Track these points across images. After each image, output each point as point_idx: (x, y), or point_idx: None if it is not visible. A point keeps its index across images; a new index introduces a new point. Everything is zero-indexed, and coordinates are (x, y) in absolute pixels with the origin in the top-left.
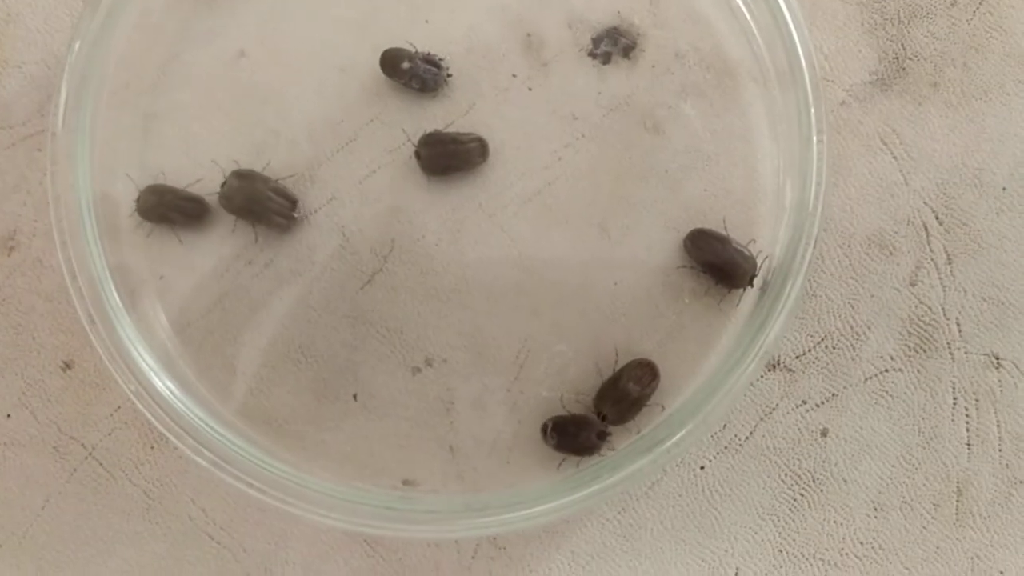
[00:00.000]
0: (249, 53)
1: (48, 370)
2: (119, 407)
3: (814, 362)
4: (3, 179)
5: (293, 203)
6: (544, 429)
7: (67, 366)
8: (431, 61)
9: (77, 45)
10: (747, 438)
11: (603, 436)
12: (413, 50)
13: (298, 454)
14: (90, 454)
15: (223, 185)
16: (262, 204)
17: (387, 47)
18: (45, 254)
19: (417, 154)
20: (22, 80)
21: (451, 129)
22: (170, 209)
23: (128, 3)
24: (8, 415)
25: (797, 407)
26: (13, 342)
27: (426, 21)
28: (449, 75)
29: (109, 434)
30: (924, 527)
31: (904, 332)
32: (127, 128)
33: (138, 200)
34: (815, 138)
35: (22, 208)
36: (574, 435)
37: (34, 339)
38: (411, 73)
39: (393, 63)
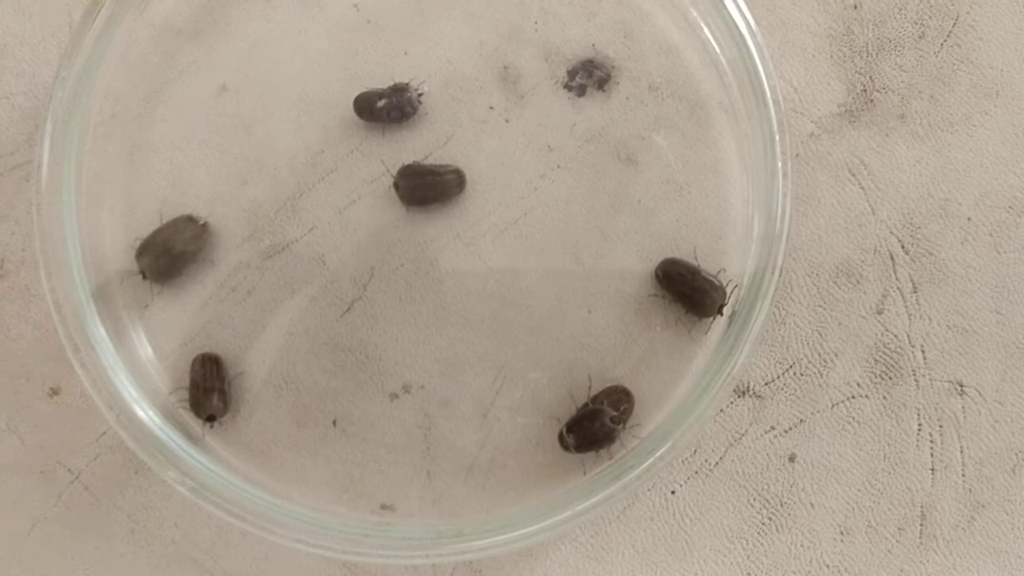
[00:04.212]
0: (231, 86)
1: (35, 396)
2: (104, 432)
3: (782, 389)
4: None
5: (203, 226)
6: (560, 436)
7: (54, 392)
8: (400, 88)
9: (63, 77)
10: (717, 463)
11: (616, 420)
12: (380, 88)
13: (278, 479)
14: (76, 478)
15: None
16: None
17: (360, 91)
18: (33, 282)
19: (396, 185)
20: (10, 111)
21: (429, 160)
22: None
23: (113, 36)
24: None
25: (766, 433)
26: (1, 368)
27: (405, 54)
28: (420, 94)
29: (95, 459)
30: (889, 551)
31: (870, 359)
32: (113, 159)
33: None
34: (781, 170)
35: (10, 237)
36: (588, 428)
37: (22, 366)
38: (388, 107)
39: (368, 106)
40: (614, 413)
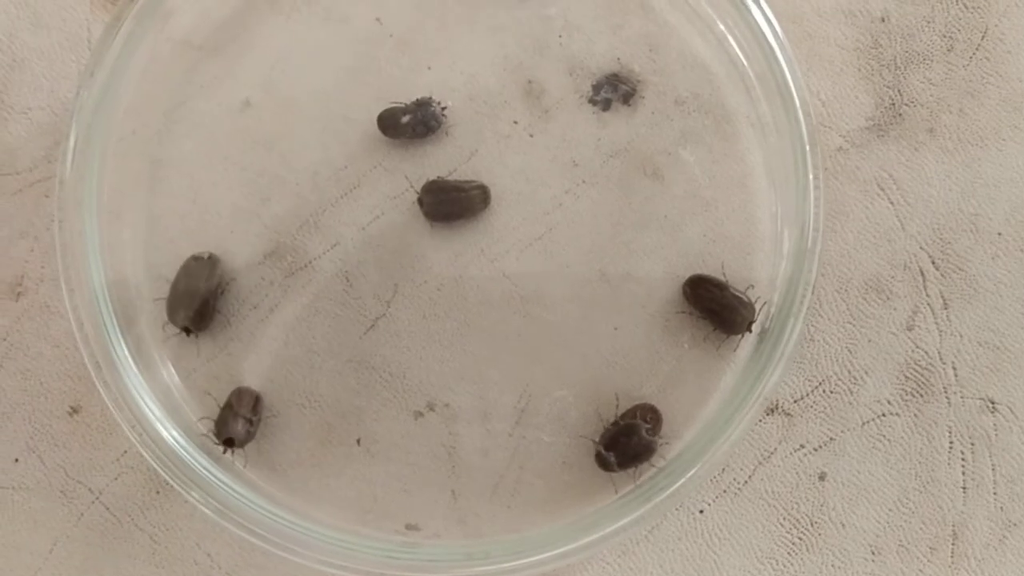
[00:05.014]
0: (254, 102)
1: (55, 415)
2: (125, 451)
3: (812, 406)
4: (10, 225)
5: (210, 259)
6: (599, 456)
7: (74, 411)
8: (423, 103)
9: (85, 93)
10: (746, 482)
11: (652, 432)
12: (403, 104)
13: (302, 499)
14: (97, 498)
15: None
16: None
17: (383, 107)
18: (52, 300)
19: (420, 201)
20: (28, 126)
21: (453, 175)
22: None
23: (134, 51)
24: (16, 459)
25: (795, 451)
26: (21, 387)
27: (428, 68)
28: (444, 108)
29: (115, 479)
30: (920, 570)
31: (901, 376)
32: (133, 175)
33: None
34: (812, 185)
35: (29, 254)
36: (627, 444)
37: (42, 384)
38: (413, 123)
39: (393, 122)
40: (648, 425)
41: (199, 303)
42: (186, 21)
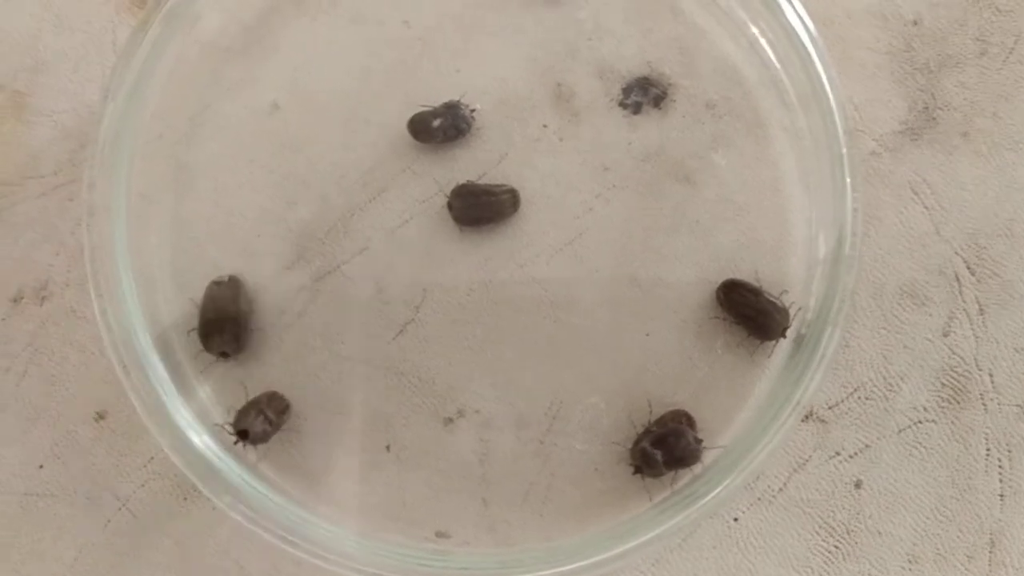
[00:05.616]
0: (282, 104)
1: (81, 421)
2: (152, 458)
3: (847, 413)
4: (35, 229)
5: (231, 280)
6: (643, 452)
7: (100, 416)
8: (452, 105)
9: (111, 96)
10: (780, 489)
11: (699, 440)
12: (431, 107)
13: (332, 506)
14: (123, 505)
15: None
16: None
17: (412, 110)
18: (78, 304)
19: (449, 205)
20: (52, 129)
21: (483, 179)
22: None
23: (161, 54)
24: (41, 466)
25: (831, 458)
26: (46, 392)
27: (457, 71)
28: (473, 110)
29: (142, 485)
30: None
31: (937, 383)
32: (160, 178)
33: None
34: (850, 188)
35: (54, 258)
36: (675, 445)
37: (67, 389)
38: (444, 126)
39: (424, 127)
40: (695, 434)
41: (231, 322)
42: (213, 24)
